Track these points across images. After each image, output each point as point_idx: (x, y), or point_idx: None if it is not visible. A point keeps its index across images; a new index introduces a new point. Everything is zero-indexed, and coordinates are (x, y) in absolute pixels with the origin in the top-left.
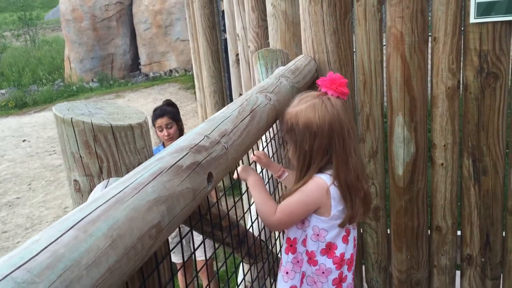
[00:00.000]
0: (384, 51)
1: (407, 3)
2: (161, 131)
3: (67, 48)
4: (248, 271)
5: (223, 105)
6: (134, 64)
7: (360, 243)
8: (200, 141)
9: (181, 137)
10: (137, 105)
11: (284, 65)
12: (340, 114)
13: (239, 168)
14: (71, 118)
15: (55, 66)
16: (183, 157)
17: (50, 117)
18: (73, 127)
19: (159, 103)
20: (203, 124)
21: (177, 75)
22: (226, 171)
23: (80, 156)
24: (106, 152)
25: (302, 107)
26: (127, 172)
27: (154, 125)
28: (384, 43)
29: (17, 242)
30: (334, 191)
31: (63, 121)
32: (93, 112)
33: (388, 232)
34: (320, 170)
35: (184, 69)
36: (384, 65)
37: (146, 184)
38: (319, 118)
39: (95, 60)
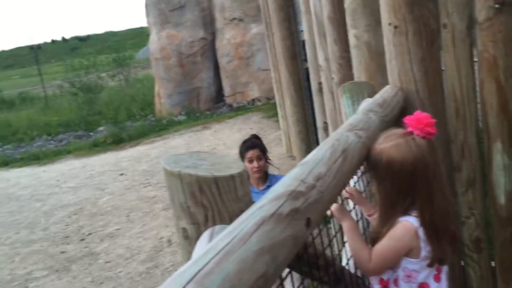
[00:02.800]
0: (476, 76)
1: (499, 27)
2: (251, 162)
3: (157, 85)
4: None
5: (307, 133)
6: (219, 96)
7: (462, 277)
8: (297, 187)
9: (278, 183)
10: (223, 136)
11: (371, 97)
12: (425, 155)
13: (333, 207)
14: (179, 172)
15: (147, 102)
16: (282, 204)
17: (144, 151)
18: (181, 180)
19: (244, 132)
20: (297, 169)
21: (259, 104)
22: (322, 214)
23: (188, 206)
24: (211, 202)
25: (386, 146)
26: (230, 219)
27: (243, 156)
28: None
29: (119, 272)
30: (421, 232)
31: (172, 174)
32: (198, 164)
33: (493, 265)
34: (406, 211)
35: (266, 98)
36: (477, 90)
37: (251, 235)
38: (402, 158)
39: (183, 95)
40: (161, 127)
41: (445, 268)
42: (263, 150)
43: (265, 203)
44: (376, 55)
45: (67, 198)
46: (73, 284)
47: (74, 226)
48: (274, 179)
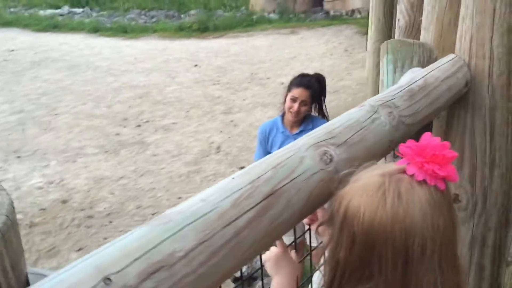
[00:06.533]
0: None
1: None
2: (293, 101)
3: None
4: None
5: None
6: (318, 0)
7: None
8: None
9: (43, 283)
10: (308, 45)
11: (423, 67)
12: (413, 215)
13: (267, 255)
14: None
15: None
16: None
17: (225, 45)
18: None
19: (330, 46)
20: (125, 240)
21: (358, 16)
22: None
23: None
24: None
25: (353, 187)
26: None
27: (289, 88)
28: None
29: (162, 168)
30: None
31: None
32: None
33: None
34: None
35: (367, 11)
36: None
37: None
38: (365, 213)
39: None
40: (249, 23)
41: None
42: (315, 97)
43: None
44: (457, 4)
45: (138, 79)
46: (116, 169)
47: (135, 110)
48: (312, 122)
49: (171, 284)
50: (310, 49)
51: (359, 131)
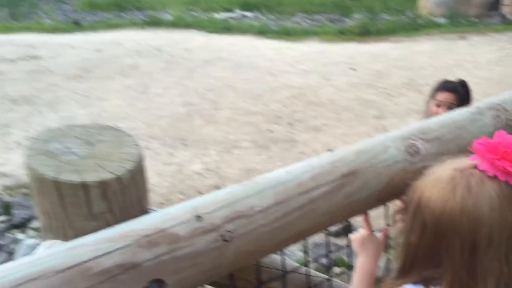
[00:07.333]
0: None
1: None
2: (438, 106)
3: None
4: None
5: None
6: (495, 3)
7: None
8: (174, 226)
9: (154, 213)
10: (476, 52)
11: None
12: (481, 207)
13: (355, 235)
14: (26, 157)
15: None
16: (113, 251)
17: (385, 50)
18: (27, 169)
19: (503, 53)
20: (218, 192)
21: None
22: (217, 272)
23: (37, 203)
24: (54, 210)
25: (427, 179)
26: (76, 237)
27: (433, 94)
28: None
29: None
30: None
31: (25, 157)
32: (70, 149)
33: None
34: (428, 281)
35: None
36: None
37: None
38: (436, 203)
39: None
40: (413, 27)
41: None
42: (461, 102)
43: (84, 243)
44: None
45: (295, 79)
46: (265, 163)
47: (289, 109)
48: None
49: (247, 230)
50: (478, 56)
51: (454, 130)
